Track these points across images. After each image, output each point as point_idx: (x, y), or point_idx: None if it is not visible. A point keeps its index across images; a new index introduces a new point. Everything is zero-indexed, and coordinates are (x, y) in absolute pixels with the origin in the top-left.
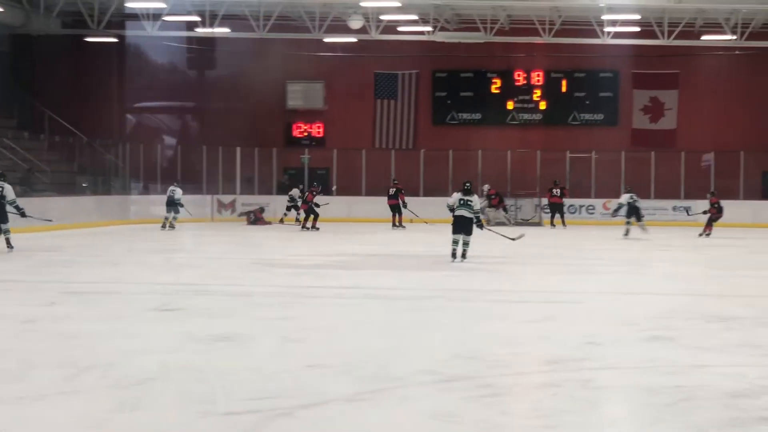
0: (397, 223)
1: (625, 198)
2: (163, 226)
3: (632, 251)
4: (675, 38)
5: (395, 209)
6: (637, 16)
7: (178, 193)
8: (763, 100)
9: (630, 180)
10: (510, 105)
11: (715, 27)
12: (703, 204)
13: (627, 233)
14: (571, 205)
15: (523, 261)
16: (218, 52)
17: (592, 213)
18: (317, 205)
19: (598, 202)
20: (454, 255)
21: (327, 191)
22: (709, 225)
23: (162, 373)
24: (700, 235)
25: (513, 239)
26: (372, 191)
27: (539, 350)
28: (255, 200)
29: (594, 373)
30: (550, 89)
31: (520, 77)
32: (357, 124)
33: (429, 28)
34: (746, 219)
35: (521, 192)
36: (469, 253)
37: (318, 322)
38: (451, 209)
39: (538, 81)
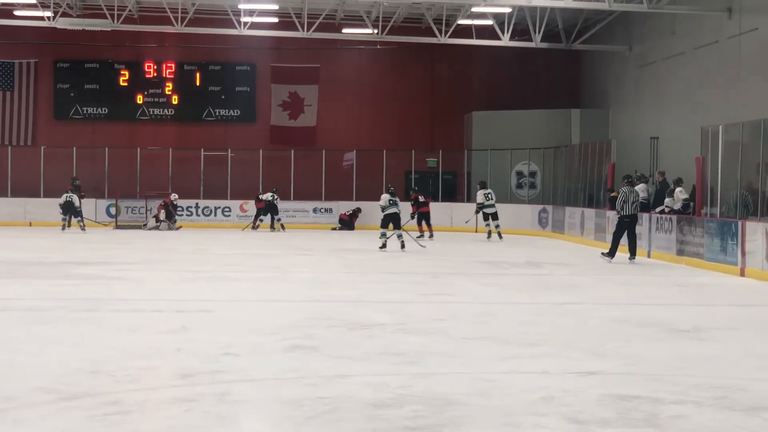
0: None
1: (267, 196)
2: (63, 228)
3: (271, 257)
4: (315, 31)
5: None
6: (275, 7)
7: (76, 199)
8: (405, 97)
9: (269, 180)
10: (140, 99)
11: (357, 20)
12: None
13: (255, 227)
14: (205, 207)
15: (151, 267)
16: None
17: (228, 215)
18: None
19: (234, 204)
20: (385, 246)
21: None
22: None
23: None
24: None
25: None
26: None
27: (172, 363)
28: None
29: (231, 386)
30: (182, 82)
31: (150, 69)
32: None
33: (49, 14)
34: None
35: (152, 193)
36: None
37: None
38: (384, 208)
39: (170, 73)
